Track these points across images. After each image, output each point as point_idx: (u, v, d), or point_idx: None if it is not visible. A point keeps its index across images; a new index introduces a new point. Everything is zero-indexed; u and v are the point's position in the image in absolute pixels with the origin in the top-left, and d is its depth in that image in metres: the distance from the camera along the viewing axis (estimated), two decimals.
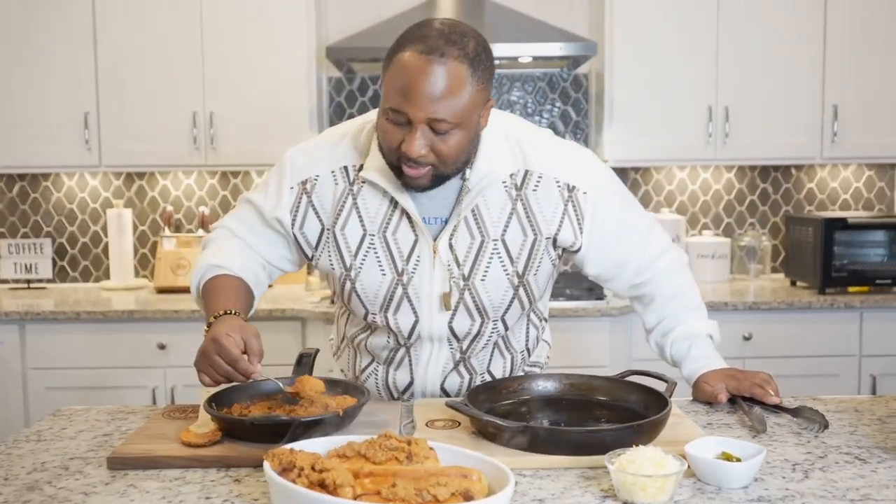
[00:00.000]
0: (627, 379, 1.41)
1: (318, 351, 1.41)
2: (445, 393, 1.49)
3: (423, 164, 1.25)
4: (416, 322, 1.40)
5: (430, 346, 1.44)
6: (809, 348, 2.97)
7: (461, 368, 1.47)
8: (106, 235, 3.49)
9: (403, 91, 1.19)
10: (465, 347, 1.45)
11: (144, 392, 2.94)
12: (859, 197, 3.58)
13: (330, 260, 1.41)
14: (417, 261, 1.38)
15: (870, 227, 3.13)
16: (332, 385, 1.37)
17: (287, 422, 1.15)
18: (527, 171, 1.37)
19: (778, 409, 1.39)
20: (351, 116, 3.46)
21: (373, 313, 1.41)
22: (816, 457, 1.18)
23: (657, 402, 1.28)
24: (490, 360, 1.49)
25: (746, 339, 2.97)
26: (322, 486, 0.93)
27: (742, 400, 1.42)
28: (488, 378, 1.49)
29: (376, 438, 1.05)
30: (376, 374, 1.51)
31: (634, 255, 1.46)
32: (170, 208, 3.43)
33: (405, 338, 1.43)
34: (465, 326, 1.41)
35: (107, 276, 3.50)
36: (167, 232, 3.37)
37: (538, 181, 1.37)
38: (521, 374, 1.55)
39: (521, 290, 1.41)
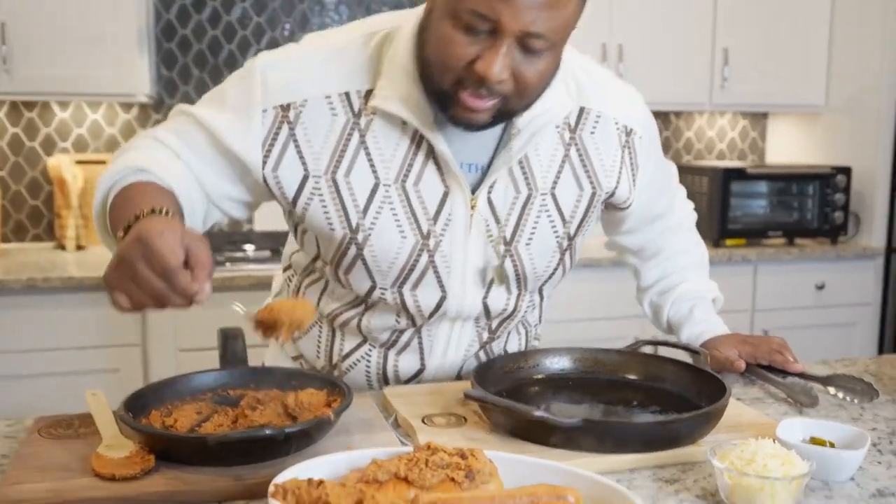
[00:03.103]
0: (643, 352, 1.25)
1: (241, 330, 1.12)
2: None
3: (495, 94, 0.99)
4: (442, 299, 1.16)
5: (451, 327, 1.21)
6: None
7: (482, 352, 1.25)
8: None
9: None
10: (494, 326, 1.23)
11: None
12: (734, 147, 3.69)
13: (327, 217, 1.10)
14: (448, 220, 1.12)
15: (769, 178, 3.21)
16: (283, 377, 1.08)
17: (268, 437, 0.86)
18: (582, 109, 1.17)
19: (803, 377, 1.29)
20: (185, 40, 3.02)
21: (382, 288, 1.15)
22: (889, 433, 1.08)
23: (695, 379, 1.14)
24: (508, 338, 1.29)
25: None
26: None
27: (760, 368, 1.31)
28: None
29: (415, 453, 0.80)
30: (368, 361, 1.23)
31: (667, 209, 1.35)
32: None
33: (424, 318, 1.18)
34: (501, 302, 1.20)
35: None
36: None
37: (596, 121, 1.18)
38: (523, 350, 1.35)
39: (566, 256, 1.22)
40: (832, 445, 0.96)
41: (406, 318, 1.19)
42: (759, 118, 3.71)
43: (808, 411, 1.16)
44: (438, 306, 1.16)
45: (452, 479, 0.78)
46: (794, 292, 3.12)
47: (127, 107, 3.00)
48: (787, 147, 3.61)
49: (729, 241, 3.10)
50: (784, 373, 1.30)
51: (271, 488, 0.73)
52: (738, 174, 3.10)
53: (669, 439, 0.96)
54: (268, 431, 0.85)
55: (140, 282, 0.84)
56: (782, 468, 0.83)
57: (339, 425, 1.00)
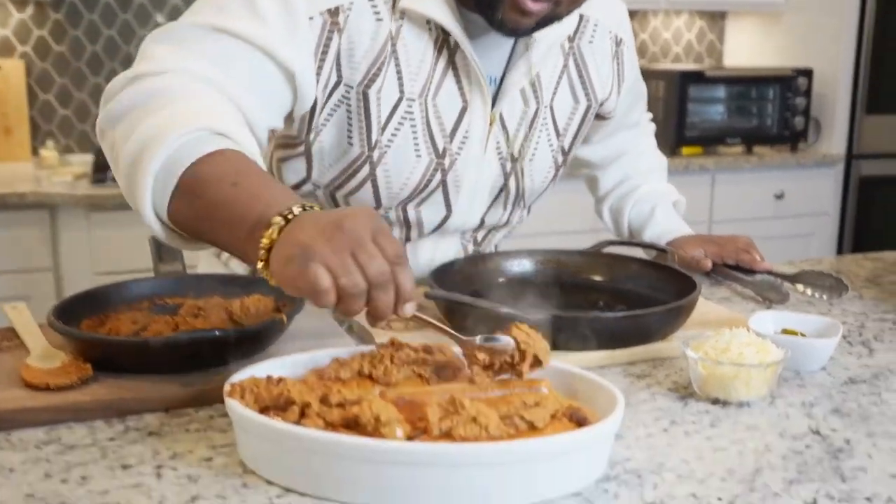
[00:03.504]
0: (606, 252, 1.29)
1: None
2: None
3: None
4: (446, 217, 1.19)
5: (438, 240, 1.23)
6: None
7: None
8: None
9: None
10: (480, 238, 1.28)
11: None
12: (690, 50, 3.72)
13: (349, 131, 1.07)
14: (465, 137, 1.13)
15: (727, 82, 3.25)
16: (226, 283, 1.08)
17: (218, 338, 0.86)
18: (581, 17, 1.19)
19: (771, 275, 1.34)
20: None
21: (387, 207, 1.15)
22: (858, 326, 1.14)
23: (662, 277, 1.18)
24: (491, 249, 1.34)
25: None
26: (350, 426, 0.68)
27: (727, 268, 1.36)
28: None
29: (380, 350, 0.81)
30: None
31: (640, 117, 1.44)
32: None
33: (422, 233, 1.21)
34: (496, 217, 1.24)
35: None
36: None
37: (594, 30, 1.21)
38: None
39: (558, 173, 1.27)
40: (804, 336, 1.01)
41: (402, 232, 1.20)
42: (716, 18, 3.74)
43: (778, 307, 1.21)
44: (442, 223, 1.19)
45: (420, 376, 0.80)
46: (753, 202, 3.21)
47: (21, 5, 2.86)
48: (746, 49, 3.66)
49: (686, 150, 3.15)
50: (751, 272, 1.35)
51: (227, 387, 0.73)
52: (696, 77, 3.14)
53: (640, 334, 1.00)
54: (217, 333, 0.85)
55: (365, 257, 0.71)
56: (757, 356, 0.87)
57: (291, 333, 1.00)
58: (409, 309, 0.74)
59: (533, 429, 0.70)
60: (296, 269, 0.71)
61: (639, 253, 1.33)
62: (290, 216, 0.75)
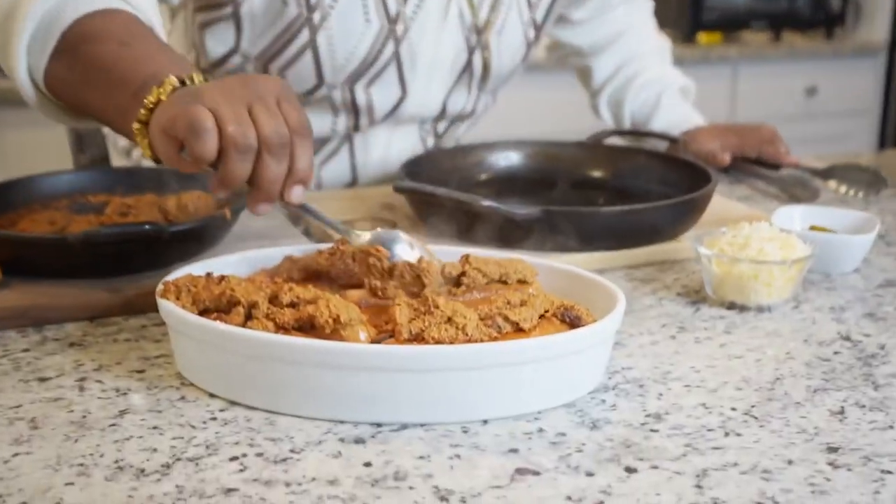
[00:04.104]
0: (607, 143, 1.26)
1: None
2: None
3: None
4: (400, 99, 1.18)
5: (392, 130, 1.22)
6: None
7: None
8: None
9: None
10: (441, 130, 1.26)
11: None
12: None
13: None
14: (419, 1, 1.11)
15: None
16: (160, 178, 1.04)
17: (149, 234, 0.83)
18: None
19: (798, 169, 1.32)
20: None
21: (331, 85, 1.13)
22: None
23: (672, 170, 1.15)
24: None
25: None
26: (304, 330, 0.66)
27: (748, 163, 1.33)
28: None
29: (339, 246, 0.78)
30: None
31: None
32: None
33: (373, 120, 1.19)
34: (459, 103, 1.24)
35: None
36: None
37: None
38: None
39: (529, 52, 1.26)
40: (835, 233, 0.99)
41: (349, 119, 1.18)
42: None
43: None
44: (395, 107, 1.17)
45: (372, 272, 0.77)
46: (780, 99, 3.17)
47: None
48: None
49: (703, 36, 3.09)
50: (776, 166, 1.32)
51: (160, 287, 0.71)
52: None
53: (645, 232, 0.97)
54: (147, 227, 0.82)
55: (263, 114, 0.67)
56: (781, 252, 0.85)
57: (238, 234, 0.98)
58: (297, 193, 0.71)
59: (519, 331, 0.67)
60: (176, 109, 0.67)
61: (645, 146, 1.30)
62: (187, 81, 0.72)
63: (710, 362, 0.75)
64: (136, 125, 0.71)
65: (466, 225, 0.96)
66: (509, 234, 0.94)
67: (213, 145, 0.66)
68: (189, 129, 0.65)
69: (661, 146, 1.34)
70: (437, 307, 0.66)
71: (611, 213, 0.98)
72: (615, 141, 1.32)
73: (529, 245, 0.94)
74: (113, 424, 0.63)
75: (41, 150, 2.32)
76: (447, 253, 0.81)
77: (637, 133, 1.37)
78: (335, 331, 0.65)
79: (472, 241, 0.95)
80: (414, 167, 1.08)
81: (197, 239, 0.88)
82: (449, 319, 0.65)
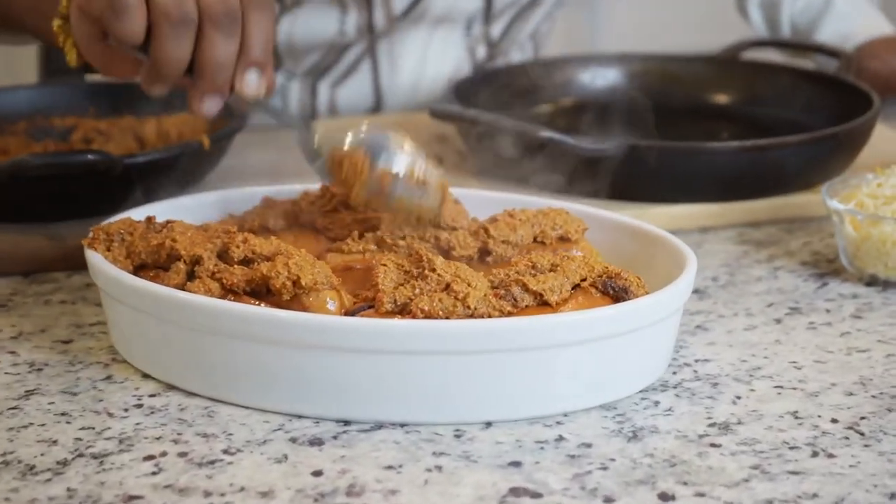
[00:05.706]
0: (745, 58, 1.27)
1: None
2: None
3: None
4: None
5: (429, 36, 1.24)
6: None
7: None
8: None
9: None
10: (496, 35, 1.27)
11: None
12: None
13: None
14: None
15: None
16: (142, 97, 1.08)
17: (95, 165, 0.86)
18: None
19: None
20: None
21: None
22: None
23: (829, 97, 1.15)
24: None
25: None
26: (259, 294, 0.67)
27: None
28: None
29: (333, 187, 0.79)
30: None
31: None
32: None
33: (390, 18, 1.20)
34: None
35: None
36: None
37: None
38: None
39: None
40: None
41: (359, 17, 1.20)
42: None
43: None
44: None
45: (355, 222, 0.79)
46: None
47: None
48: None
49: None
50: None
51: (89, 234, 0.73)
52: None
53: (768, 178, 0.97)
54: (89, 157, 0.85)
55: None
56: None
57: (233, 169, 1.01)
58: (251, 80, 0.71)
59: (543, 304, 0.67)
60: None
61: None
62: None
63: (820, 356, 0.74)
64: (56, 21, 0.74)
65: (526, 164, 0.97)
66: (581, 176, 0.95)
67: (138, 20, 0.67)
68: (108, 1, 0.67)
69: (830, 65, 1.31)
70: (433, 269, 0.67)
71: (723, 149, 0.99)
72: (760, 56, 1.30)
73: (605, 193, 0.94)
74: (14, 408, 0.67)
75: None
76: (484, 200, 0.82)
77: (794, 45, 1.35)
78: (296, 297, 0.67)
79: (533, 186, 0.96)
80: (467, 85, 1.11)
81: (164, 174, 0.91)
82: (447, 287, 0.66)
